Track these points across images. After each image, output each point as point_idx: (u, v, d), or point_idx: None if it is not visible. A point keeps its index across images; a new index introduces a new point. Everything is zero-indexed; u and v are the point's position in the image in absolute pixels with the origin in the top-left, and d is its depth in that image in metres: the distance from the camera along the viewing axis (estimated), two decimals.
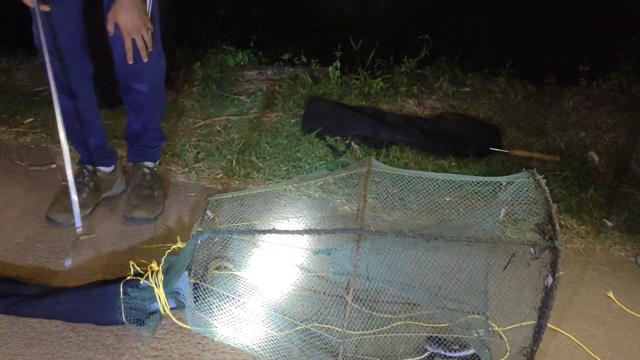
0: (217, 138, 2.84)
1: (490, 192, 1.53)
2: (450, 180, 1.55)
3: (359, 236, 1.32)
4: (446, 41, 3.55)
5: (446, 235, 1.36)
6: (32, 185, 2.30)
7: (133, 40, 1.79)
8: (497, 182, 1.54)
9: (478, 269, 1.62)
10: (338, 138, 2.85)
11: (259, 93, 3.33)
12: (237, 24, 4.05)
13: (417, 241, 1.36)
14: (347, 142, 2.81)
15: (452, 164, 2.75)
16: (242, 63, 3.69)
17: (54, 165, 2.44)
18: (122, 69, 1.93)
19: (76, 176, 2.17)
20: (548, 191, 1.43)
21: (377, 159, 2.68)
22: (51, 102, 2.81)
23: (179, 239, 1.78)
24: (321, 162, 2.67)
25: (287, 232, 1.44)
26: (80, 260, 1.94)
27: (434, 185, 1.56)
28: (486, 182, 1.52)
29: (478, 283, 1.69)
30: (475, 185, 1.55)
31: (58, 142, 2.57)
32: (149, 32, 1.80)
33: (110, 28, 1.77)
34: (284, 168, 2.62)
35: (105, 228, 2.10)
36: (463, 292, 1.65)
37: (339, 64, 3.29)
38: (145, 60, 1.84)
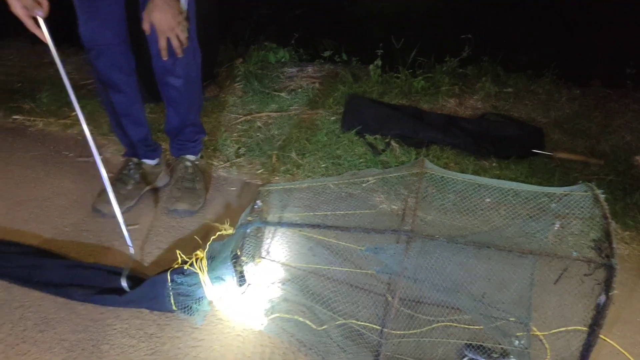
0: (258, 134, 2.87)
1: (544, 202, 1.50)
2: (506, 188, 1.51)
3: (409, 238, 1.31)
4: (489, 41, 3.49)
5: (498, 244, 1.34)
6: (79, 176, 2.36)
7: (168, 38, 1.81)
8: (552, 192, 1.50)
9: (523, 279, 1.60)
10: (378, 136, 2.84)
11: (299, 90, 3.35)
12: (278, 22, 4.07)
13: (467, 247, 1.34)
14: (387, 140, 2.80)
15: (493, 165, 2.72)
16: (283, 60, 3.72)
17: (100, 157, 2.50)
18: (158, 64, 1.97)
19: (122, 168, 2.23)
20: (607, 207, 1.39)
21: (416, 159, 2.68)
22: (97, 96, 2.91)
23: (228, 222, 1.82)
24: (360, 160, 2.66)
25: (336, 228, 1.45)
26: (126, 250, 1.98)
27: (483, 190, 1.53)
28: (541, 192, 1.49)
29: (522, 292, 1.66)
30: (529, 194, 1.51)
31: (104, 134, 2.66)
32: (184, 30, 1.81)
33: (145, 27, 1.79)
34: (323, 165, 2.62)
35: (149, 219, 2.14)
36: (506, 301, 1.63)
37: (380, 62, 3.28)
38: (180, 56, 1.86)
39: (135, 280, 1.78)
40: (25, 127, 2.73)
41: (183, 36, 1.80)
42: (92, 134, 2.64)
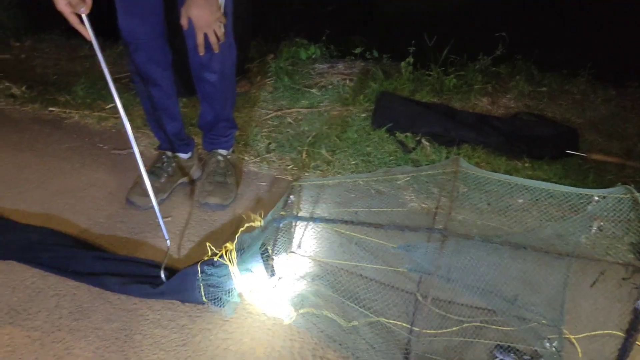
0: (288, 130, 2.88)
1: (581, 204, 1.47)
2: (541, 189, 1.49)
3: (444, 237, 1.31)
4: (523, 39, 3.44)
5: (535, 245, 1.32)
6: (113, 168, 2.40)
7: (205, 34, 1.82)
8: (589, 194, 1.47)
9: (557, 281, 1.58)
10: (408, 134, 2.82)
11: (330, 87, 3.35)
12: (309, 18, 4.08)
13: (502, 247, 1.33)
14: (418, 138, 2.79)
15: (526, 165, 2.68)
16: (313, 56, 3.72)
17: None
18: (194, 60, 1.99)
19: (155, 161, 2.26)
20: None
21: (447, 158, 2.66)
22: (131, 89, 2.95)
23: (262, 214, 1.83)
24: (391, 158, 2.65)
25: (369, 224, 1.45)
26: (158, 242, 2.01)
27: (518, 190, 1.51)
28: (578, 194, 1.46)
29: (555, 295, 1.64)
30: (565, 195, 1.49)
31: (137, 127, 2.70)
32: (221, 26, 1.83)
33: (183, 22, 1.81)
34: (353, 162, 2.62)
35: (181, 212, 2.17)
36: (539, 303, 1.61)
37: (411, 60, 3.26)
38: (217, 51, 1.88)
39: (171, 272, 1.81)
40: (61, 119, 2.78)
41: (220, 32, 1.82)
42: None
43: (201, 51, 1.85)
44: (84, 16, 1.66)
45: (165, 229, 1.93)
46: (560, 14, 3.68)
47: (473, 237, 1.31)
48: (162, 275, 1.77)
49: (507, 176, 1.56)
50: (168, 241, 1.95)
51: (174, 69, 2.08)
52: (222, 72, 2.03)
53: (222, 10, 1.81)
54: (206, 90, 2.09)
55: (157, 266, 1.83)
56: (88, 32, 1.70)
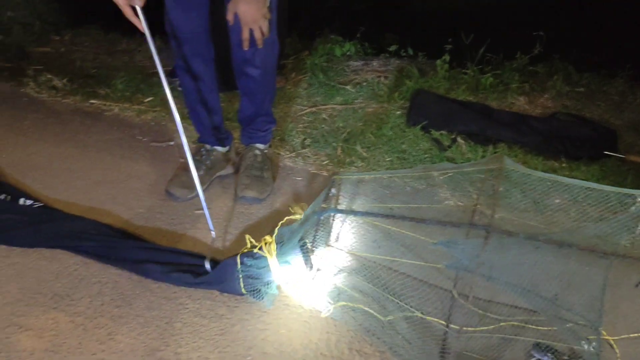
0: (323, 126, 2.89)
1: (622, 205, 1.46)
2: (588, 188, 1.47)
3: (487, 233, 1.30)
4: (561, 38, 3.40)
5: (580, 244, 1.31)
6: (152, 160, 2.44)
7: (251, 30, 1.83)
8: (635, 194, 1.45)
9: (597, 281, 1.56)
10: (443, 132, 2.81)
11: (365, 84, 3.35)
12: (344, 15, 4.08)
13: (544, 246, 1.32)
14: (453, 136, 2.77)
15: (563, 165, 2.65)
16: (348, 53, 3.72)
17: (172, 142, 2.59)
18: (237, 54, 2.01)
19: (194, 154, 2.29)
20: None
21: (483, 156, 2.64)
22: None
23: (301, 209, 1.85)
24: (426, 156, 2.64)
25: (411, 219, 1.46)
26: (197, 234, 2.05)
27: (561, 188, 1.50)
28: (620, 194, 1.44)
29: (594, 295, 1.63)
30: (607, 195, 1.47)
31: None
32: (266, 21, 1.84)
33: (230, 17, 1.82)
34: (387, 159, 2.62)
35: (219, 205, 2.20)
36: (578, 303, 1.60)
37: (447, 57, 3.24)
38: (260, 46, 1.89)
39: (215, 263, 1.84)
40: (102, 112, 2.84)
41: (265, 27, 1.83)
42: (164, 121, 2.77)
43: (246, 46, 1.87)
44: (138, 8, 1.70)
45: (211, 220, 1.95)
46: (599, 14, 3.62)
47: (518, 234, 1.31)
48: (207, 266, 1.80)
49: (553, 175, 1.54)
50: (213, 232, 1.97)
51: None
52: (265, 67, 2.05)
53: (267, 5, 1.82)
54: (248, 84, 2.11)
55: (198, 256, 1.86)
56: (142, 25, 1.74)
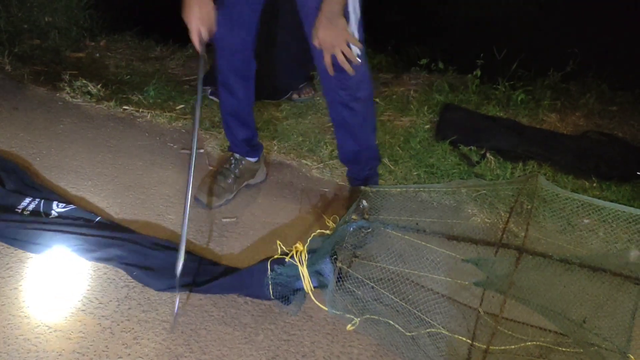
0: None
1: None
2: (620, 211, 1.45)
3: (520, 254, 1.29)
4: (595, 56, 3.36)
5: (613, 269, 1.29)
6: (182, 167, 2.48)
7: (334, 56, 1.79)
8: None
9: (627, 306, 1.53)
10: (473, 148, 2.79)
11: (394, 97, 3.35)
12: (375, 27, 4.08)
13: (578, 269, 1.30)
14: (482, 152, 2.75)
15: (594, 185, 2.61)
16: (378, 66, 3.73)
17: (202, 150, 2.62)
18: (326, 83, 1.97)
19: (224, 162, 2.32)
20: None
21: (512, 173, 2.62)
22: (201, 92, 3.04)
23: (330, 222, 1.86)
24: (454, 171, 2.63)
25: (442, 234, 1.45)
26: (223, 242, 2.07)
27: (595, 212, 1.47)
28: None
29: (624, 320, 1.59)
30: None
31: (206, 129, 2.78)
32: (352, 47, 1.78)
33: (315, 43, 1.78)
34: (415, 173, 2.61)
35: (246, 214, 2.22)
36: (606, 327, 1.57)
37: (479, 73, 3.22)
38: (350, 72, 1.83)
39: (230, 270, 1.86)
40: (134, 118, 2.89)
41: (349, 53, 1.78)
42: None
43: (330, 72, 1.83)
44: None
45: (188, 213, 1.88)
46: (634, 32, 3.57)
47: (551, 256, 1.29)
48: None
49: (589, 197, 1.52)
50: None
51: (263, 72, 2.08)
52: (355, 95, 1.97)
53: (350, 30, 1.78)
54: (341, 115, 2.05)
55: (217, 264, 1.89)
56: (201, 53, 1.86)
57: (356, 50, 1.81)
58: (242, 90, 2.09)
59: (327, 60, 1.81)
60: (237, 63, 2.03)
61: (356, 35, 1.83)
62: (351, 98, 1.96)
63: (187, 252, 1.94)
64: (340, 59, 1.79)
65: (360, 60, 1.84)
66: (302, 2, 1.85)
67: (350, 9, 1.81)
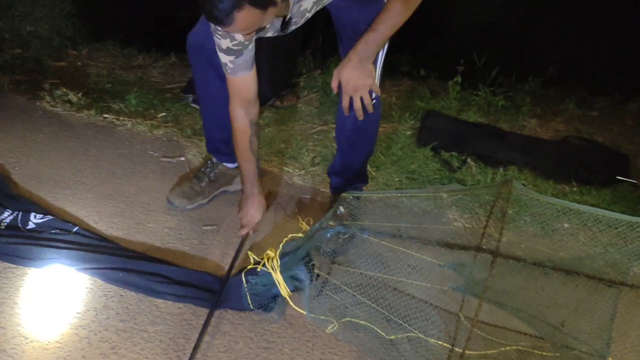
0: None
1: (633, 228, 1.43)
2: (597, 216, 1.45)
3: (494, 257, 1.30)
4: (575, 62, 3.40)
5: (588, 272, 1.30)
6: (162, 175, 2.46)
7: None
8: None
9: (605, 309, 1.54)
10: (454, 153, 2.80)
11: None
12: None
13: (553, 272, 1.31)
14: (463, 158, 2.77)
15: (574, 189, 2.63)
16: None
17: (183, 158, 2.61)
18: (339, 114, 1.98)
19: (200, 166, 2.32)
20: None
21: (493, 179, 2.63)
22: (182, 99, 3.04)
23: (304, 224, 1.85)
24: (435, 177, 2.64)
25: (418, 239, 1.45)
26: (204, 250, 2.06)
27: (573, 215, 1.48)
28: (632, 223, 1.42)
29: (602, 323, 1.60)
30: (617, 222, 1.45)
31: (187, 137, 2.77)
32: (372, 95, 1.76)
33: (333, 85, 1.75)
34: (397, 179, 2.62)
35: (227, 221, 2.21)
36: (585, 331, 1.57)
37: (459, 79, 3.24)
38: (361, 119, 1.81)
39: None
40: (115, 126, 2.87)
41: (367, 100, 1.75)
42: (176, 136, 2.80)
43: (346, 112, 1.81)
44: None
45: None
46: (614, 38, 3.62)
47: (524, 259, 1.30)
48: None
49: (563, 201, 1.53)
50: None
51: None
52: (361, 127, 1.97)
53: (375, 79, 1.77)
54: (340, 133, 2.11)
55: (207, 275, 1.88)
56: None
57: (374, 96, 1.79)
58: (220, 92, 2.00)
59: (346, 103, 1.77)
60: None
61: (378, 83, 1.82)
62: (355, 124, 1.94)
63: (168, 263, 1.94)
64: (357, 106, 1.75)
65: (374, 109, 1.81)
66: (342, 11, 1.81)
67: (380, 56, 1.80)
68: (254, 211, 2.02)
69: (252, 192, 2.02)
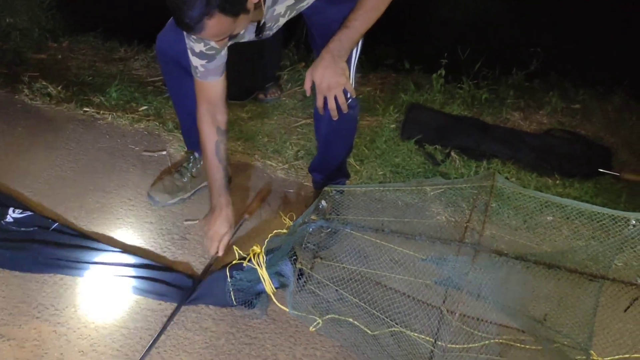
0: None
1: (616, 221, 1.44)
2: (579, 209, 1.45)
3: (476, 252, 1.29)
4: (558, 55, 3.40)
5: (568, 266, 1.29)
6: (143, 169, 2.43)
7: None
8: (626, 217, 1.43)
9: (588, 302, 1.54)
10: (437, 146, 2.80)
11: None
12: None
13: (535, 266, 1.30)
14: (447, 151, 2.76)
15: (557, 182, 2.64)
16: None
17: (164, 152, 2.57)
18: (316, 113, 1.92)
19: (182, 160, 2.29)
20: None
21: (476, 172, 2.63)
22: (164, 92, 3.00)
23: (287, 220, 1.83)
24: (419, 170, 2.63)
25: (400, 234, 1.44)
26: (185, 245, 2.03)
27: (555, 209, 1.49)
28: (615, 216, 1.42)
29: (585, 316, 1.61)
30: (599, 216, 1.45)
31: (169, 130, 2.74)
32: (347, 93, 1.73)
33: (306, 86, 1.72)
34: (381, 172, 2.61)
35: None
36: (568, 324, 1.58)
37: (443, 72, 3.23)
38: (335, 118, 1.77)
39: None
40: (95, 120, 2.82)
41: (341, 99, 1.71)
42: (157, 130, 2.76)
43: (320, 112, 1.77)
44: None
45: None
46: (597, 31, 3.63)
47: (506, 253, 1.29)
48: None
49: (546, 195, 1.53)
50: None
51: (228, 71, 2.04)
52: (336, 127, 1.91)
53: (350, 79, 1.73)
54: (319, 131, 2.03)
55: (187, 275, 1.86)
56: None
57: (349, 96, 1.75)
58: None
59: (320, 103, 1.73)
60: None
61: (352, 82, 1.78)
62: (330, 122, 1.87)
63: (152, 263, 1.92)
64: (332, 106, 1.72)
65: (349, 109, 1.77)
66: (316, 11, 1.76)
67: (354, 55, 1.77)
68: (219, 224, 1.88)
69: (218, 203, 1.89)
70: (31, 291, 1.78)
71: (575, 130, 3.06)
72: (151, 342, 1.62)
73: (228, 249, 1.90)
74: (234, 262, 1.80)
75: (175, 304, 1.76)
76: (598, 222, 1.52)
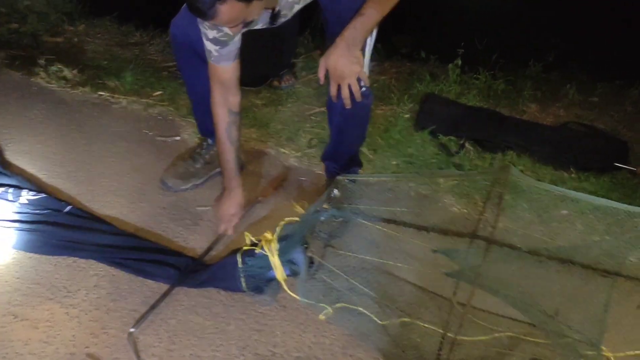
0: None
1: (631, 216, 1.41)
2: (598, 205, 1.43)
3: (488, 245, 1.28)
4: (577, 47, 3.36)
5: (581, 261, 1.28)
6: (157, 154, 2.44)
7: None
8: None
9: (600, 298, 1.52)
10: (452, 137, 2.78)
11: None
12: None
13: (549, 261, 1.29)
14: (461, 142, 2.74)
15: (572, 176, 2.61)
16: None
17: (178, 137, 2.58)
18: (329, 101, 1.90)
19: (195, 147, 2.29)
20: None
21: (491, 164, 2.61)
22: (178, 78, 3.00)
23: (298, 207, 1.83)
24: (433, 161, 2.61)
25: (412, 225, 1.43)
26: (197, 230, 2.04)
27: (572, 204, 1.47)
28: (630, 212, 1.39)
29: (597, 312, 1.59)
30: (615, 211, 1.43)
31: (183, 116, 2.74)
32: (361, 82, 1.71)
33: (320, 74, 1.69)
34: (394, 162, 2.59)
35: None
36: (579, 319, 1.57)
37: (459, 62, 3.20)
38: (348, 107, 1.76)
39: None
40: (110, 104, 2.83)
41: (355, 88, 1.70)
42: (171, 115, 2.76)
43: (334, 100, 1.76)
44: None
45: None
46: (616, 24, 3.58)
47: (519, 248, 1.28)
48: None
49: (562, 189, 1.51)
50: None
51: (243, 58, 2.04)
52: (349, 116, 1.88)
53: (364, 67, 1.71)
54: (332, 119, 2.01)
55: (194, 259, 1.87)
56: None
57: (362, 84, 1.73)
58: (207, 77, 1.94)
59: (333, 91, 1.72)
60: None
61: (366, 71, 1.76)
62: (344, 112, 1.85)
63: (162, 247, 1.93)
64: (345, 94, 1.70)
65: (362, 98, 1.75)
66: (332, 3, 1.74)
67: (368, 43, 1.74)
68: (228, 205, 1.93)
69: (229, 186, 1.94)
70: (45, 273, 1.80)
71: (592, 123, 3.03)
72: (144, 313, 1.65)
73: (237, 231, 1.92)
74: (245, 247, 1.80)
75: (186, 288, 1.77)
76: (613, 217, 1.50)
